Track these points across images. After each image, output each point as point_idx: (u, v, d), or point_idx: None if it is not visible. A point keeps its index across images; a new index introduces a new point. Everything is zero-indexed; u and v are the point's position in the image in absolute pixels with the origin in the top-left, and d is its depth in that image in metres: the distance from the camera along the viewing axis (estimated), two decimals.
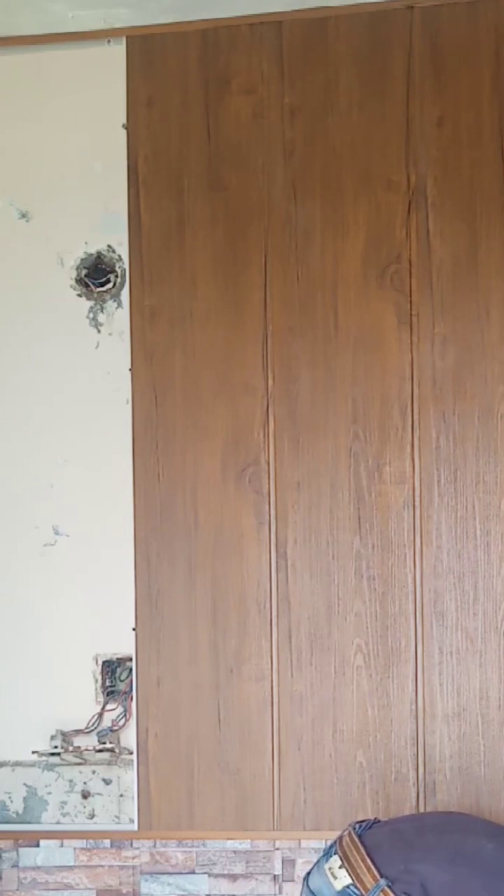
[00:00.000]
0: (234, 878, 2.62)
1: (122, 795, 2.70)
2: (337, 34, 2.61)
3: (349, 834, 2.18)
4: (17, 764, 2.73)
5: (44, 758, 2.70)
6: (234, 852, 2.62)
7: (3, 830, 2.71)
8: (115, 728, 2.70)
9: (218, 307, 2.65)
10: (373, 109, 2.60)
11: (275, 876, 2.60)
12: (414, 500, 2.57)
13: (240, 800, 2.61)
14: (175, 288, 2.67)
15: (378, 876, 2.06)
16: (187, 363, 2.66)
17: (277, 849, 2.60)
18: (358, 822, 2.25)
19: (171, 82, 2.68)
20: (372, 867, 2.08)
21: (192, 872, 2.63)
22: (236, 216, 2.65)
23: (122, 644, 2.69)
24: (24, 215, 2.76)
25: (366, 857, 2.10)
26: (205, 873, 2.63)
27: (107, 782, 2.70)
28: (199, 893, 2.63)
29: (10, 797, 2.73)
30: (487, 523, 2.54)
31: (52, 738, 2.70)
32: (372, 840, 2.15)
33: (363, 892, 2.05)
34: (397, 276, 2.59)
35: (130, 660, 2.68)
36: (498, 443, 2.55)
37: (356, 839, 2.14)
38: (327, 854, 2.17)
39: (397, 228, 2.59)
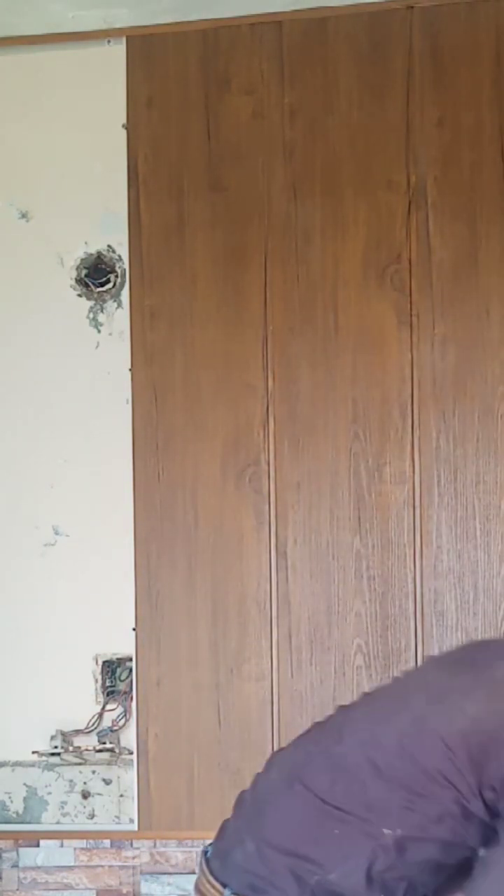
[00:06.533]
0: None
1: (122, 795, 2.70)
2: (337, 34, 2.61)
3: (201, 860, 1.96)
4: (17, 764, 2.73)
5: (44, 758, 2.70)
6: None
7: (3, 830, 2.71)
8: (115, 728, 2.70)
9: (218, 307, 2.65)
10: (373, 109, 2.60)
11: None
12: (414, 500, 2.57)
13: None
14: (175, 288, 2.67)
15: (221, 887, 1.86)
16: (187, 363, 2.66)
17: None
18: (210, 844, 1.99)
19: (171, 82, 2.68)
20: (215, 883, 1.88)
21: (192, 872, 2.62)
22: (236, 216, 2.65)
23: (122, 644, 2.69)
24: (24, 215, 2.76)
25: (207, 873, 1.90)
26: None
27: (107, 782, 2.70)
28: None
29: (10, 797, 2.73)
30: (487, 523, 2.54)
31: (52, 738, 2.70)
32: (215, 851, 1.93)
33: None
34: (397, 276, 2.59)
35: (130, 660, 2.68)
36: (498, 443, 2.54)
37: (204, 862, 1.93)
38: None
39: (397, 228, 2.59)
